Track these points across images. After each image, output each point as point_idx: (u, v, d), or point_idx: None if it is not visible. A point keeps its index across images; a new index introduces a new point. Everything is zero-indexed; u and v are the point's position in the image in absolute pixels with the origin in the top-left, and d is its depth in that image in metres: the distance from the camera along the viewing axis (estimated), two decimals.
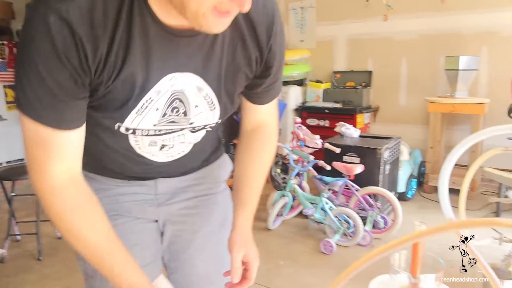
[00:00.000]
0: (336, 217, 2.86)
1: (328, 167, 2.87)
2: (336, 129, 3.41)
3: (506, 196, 3.61)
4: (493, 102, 3.62)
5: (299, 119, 3.26)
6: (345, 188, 2.98)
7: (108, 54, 0.64)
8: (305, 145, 3.11)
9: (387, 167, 3.13)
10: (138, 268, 0.80)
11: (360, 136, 3.38)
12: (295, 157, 3.03)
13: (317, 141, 2.89)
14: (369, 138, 3.38)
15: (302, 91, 4.53)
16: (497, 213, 3.45)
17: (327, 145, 2.93)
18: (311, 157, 2.93)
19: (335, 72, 4.52)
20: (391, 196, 2.85)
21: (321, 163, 2.89)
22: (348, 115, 4.02)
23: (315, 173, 2.99)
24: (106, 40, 0.63)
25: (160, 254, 1.02)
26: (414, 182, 3.75)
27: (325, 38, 4.58)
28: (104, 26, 0.62)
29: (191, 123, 0.81)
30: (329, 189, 2.90)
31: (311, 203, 2.95)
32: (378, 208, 2.94)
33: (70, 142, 0.71)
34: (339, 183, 2.84)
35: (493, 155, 1.85)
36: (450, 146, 3.91)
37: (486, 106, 3.56)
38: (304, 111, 4.26)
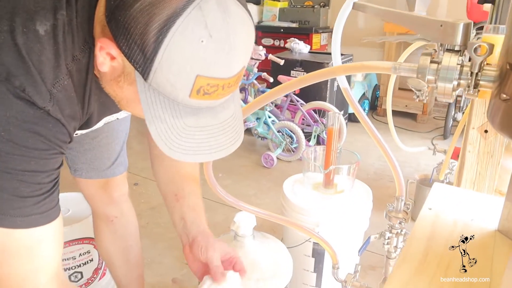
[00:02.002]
0: (279, 131, 2.80)
1: (271, 79, 2.77)
2: (287, 45, 3.27)
3: (455, 119, 3.63)
4: None
5: None
6: (290, 104, 2.90)
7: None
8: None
9: (336, 83, 3.05)
10: None
11: (310, 52, 3.26)
12: None
13: (260, 52, 2.75)
14: (318, 53, 3.27)
15: (258, 10, 4.31)
16: (444, 135, 3.48)
17: (271, 57, 2.80)
18: (255, 69, 2.81)
19: None
20: (336, 110, 2.79)
21: (264, 75, 2.78)
22: (304, 35, 3.86)
23: (259, 86, 2.89)
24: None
25: None
26: (366, 104, 3.70)
27: None
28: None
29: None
30: (272, 103, 2.81)
31: (256, 119, 2.87)
32: (323, 123, 2.89)
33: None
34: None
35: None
36: None
37: None
38: (259, 30, 4.04)
